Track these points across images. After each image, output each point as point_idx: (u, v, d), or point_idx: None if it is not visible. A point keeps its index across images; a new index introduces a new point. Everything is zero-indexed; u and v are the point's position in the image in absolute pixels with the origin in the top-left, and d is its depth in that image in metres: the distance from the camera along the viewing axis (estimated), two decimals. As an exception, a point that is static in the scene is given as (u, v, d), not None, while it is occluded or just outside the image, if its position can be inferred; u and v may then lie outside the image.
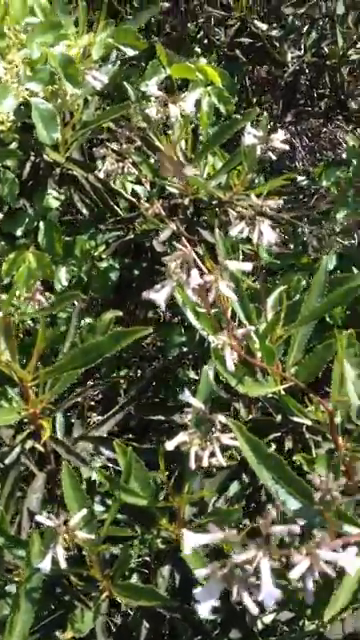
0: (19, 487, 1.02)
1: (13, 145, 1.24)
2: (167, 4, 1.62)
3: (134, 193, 1.38)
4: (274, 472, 0.77)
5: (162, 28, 1.70)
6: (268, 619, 0.96)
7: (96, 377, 1.71)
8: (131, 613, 1.09)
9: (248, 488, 1.13)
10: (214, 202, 1.32)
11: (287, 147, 1.15)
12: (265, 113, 1.26)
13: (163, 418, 1.16)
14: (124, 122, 1.28)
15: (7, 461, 0.98)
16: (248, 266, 0.83)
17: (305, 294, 1.12)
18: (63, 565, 0.80)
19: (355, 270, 1.94)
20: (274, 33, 1.73)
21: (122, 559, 0.93)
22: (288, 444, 1.16)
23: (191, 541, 0.60)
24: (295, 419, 1.03)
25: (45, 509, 1.02)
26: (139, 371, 2.07)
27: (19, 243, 1.28)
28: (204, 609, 0.57)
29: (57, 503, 1.03)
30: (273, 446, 1.15)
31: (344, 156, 1.79)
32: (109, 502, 1.07)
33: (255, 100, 2.11)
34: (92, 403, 1.68)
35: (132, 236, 1.40)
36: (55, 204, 1.27)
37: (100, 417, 1.40)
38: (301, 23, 1.80)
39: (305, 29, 1.86)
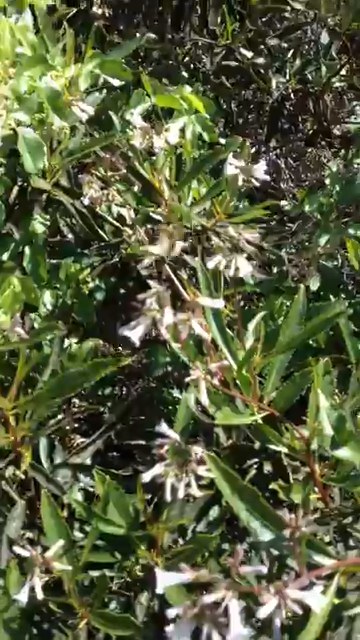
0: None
1: (0, 171, 1.26)
2: (153, 35, 1.64)
3: (120, 217, 1.40)
4: (248, 504, 0.79)
5: (148, 56, 1.73)
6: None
7: (81, 395, 1.73)
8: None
9: (227, 512, 1.15)
10: (198, 228, 1.34)
11: (268, 178, 1.17)
12: (248, 142, 1.28)
13: (144, 443, 1.18)
14: (110, 148, 1.30)
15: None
16: (220, 303, 0.85)
17: (284, 322, 1.15)
18: (40, 596, 0.81)
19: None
20: (259, 61, 1.76)
21: (100, 587, 0.94)
22: (267, 468, 1.18)
23: (163, 581, 0.62)
24: (272, 447, 1.04)
25: (25, 536, 1.03)
26: (124, 388, 2.08)
27: (5, 267, 1.30)
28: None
29: (37, 529, 1.04)
30: (253, 471, 1.17)
31: (327, 181, 1.82)
32: (89, 529, 1.08)
33: (241, 122, 2.14)
34: (77, 421, 1.69)
35: (117, 259, 1.43)
36: (41, 229, 1.29)
37: (83, 439, 1.42)
38: (286, 48, 1.83)
39: (290, 55, 1.90)
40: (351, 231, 1.77)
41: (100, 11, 1.49)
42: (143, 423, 1.57)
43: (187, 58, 1.82)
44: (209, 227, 1.29)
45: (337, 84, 1.84)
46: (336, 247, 1.88)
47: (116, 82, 1.25)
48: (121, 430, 1.10)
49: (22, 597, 0.82)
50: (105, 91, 1.30)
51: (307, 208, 1.77)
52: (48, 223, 1.29)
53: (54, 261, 1.41)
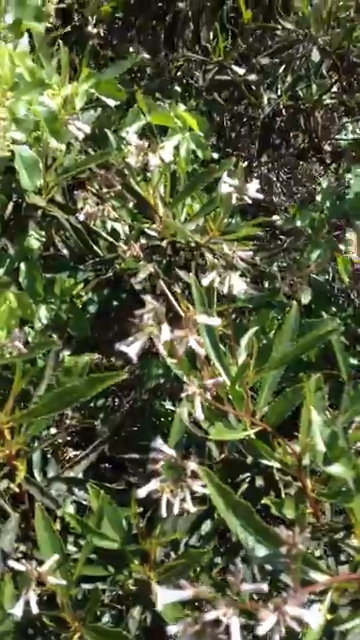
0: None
1: (-5, 187, 1.28)
2: (147, 55, 1.67)
3: (114, 231, 1.42)
4: (242, 519, 0.80)
5: (142, 71, 1.75)
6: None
7: (74, 406, 1.73)
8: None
9: (219, 526, 1.16)
10: (192, 244, 1.36)
11: (261, 196, 1.19)
12: (240, 156, 1.30)
13: (137, 456, 1.19)
14: (105, 165, 1.31)
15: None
16: (217, 321, 0.86)
17: (276, 337, 1.16)
18: (35, 610, 0.82)
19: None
20: (251, 77, 1.78)
21: (93, 601, 0.94)
22: (259, 483, 1.19)
23: (164, 598, 0.63)
24: (264, 462, 1.06)
25: (19, 549, 1.04)
26: (117, 400, 2.09)
27: (1, 282, 1.31)
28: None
29: (31, 543, 1.05)
30: (245, 485, 1.18)
31: (318, 197, 1.84)
32: (83, 542, 1.08)
33: (234, 136, 2.17)
34: (70, 434, 1.70)
35: (111, 274, 1.44)
36: (36, 245, 1.30)
37: (76, 452, 1.42)
38: (278, 64, 1.86)
39: (281, 70, 1.93)
40: (342, 246, 1.79)
41: (95, 30, 1.52)
42: (136, 436, 1.58)
43: (180, 74, 1.85)
44: (203, 244, 1.31)
45: (328, 101, 1.86)
46: (327, 261, 1.91)
47: (111, 102, 1.27)
48: (114, 443, 1.10)
49: (17, 611, 0.82)
50: (100, 109, 1.32)
51: (299, 223, 1.79)
52: (43, 239, 1.30)
53: (49, 275, 1.42)
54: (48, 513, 0.97)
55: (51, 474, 1.12)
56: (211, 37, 1.82)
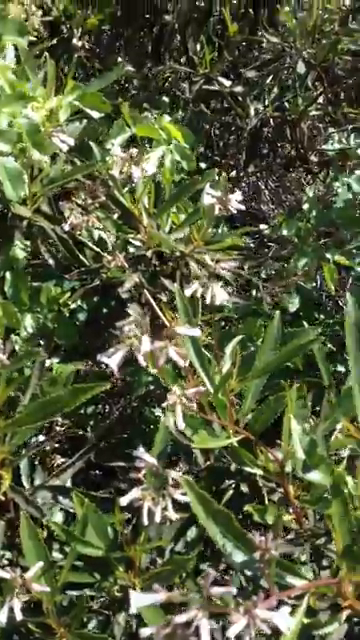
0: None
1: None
2: (131, 68, 1.69)
3: (101, 241, 1.43)
4: (222, 526, 0.82)
5: (130, 82, 1.78)
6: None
7: (63, 413, 1.74)
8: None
9: (204, 533, 1.17)
10: (176, 254, 1.38)
11: (243, 207, 1.21)
12: (228, 165, 1.32)
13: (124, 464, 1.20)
14: (91, 176, 1.33)
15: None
16: (197, 332, 0.88)
17: (259, 347, 1.18)
18: (19, 617, 0.83)
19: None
20: (237, 89, 1.81)
21: (79, 607, 0.95)
22: (244, 489, 1.20)
23: (137, 602, 0.64)
24: (247, 469, 1.07)
25: (4, 557, 1.05)
26: (107, 407, 2.10)
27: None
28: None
29: (16, 550, 1.06)
30: (230, 492, 1.20)
31: (305, 207, 1.87)
32: (68, 550, 1.10)
33: (222, 145, 2.19)
34: (59, 441, 1.71)
35: (98, 282, 1.46)
36: (22, 255, 1.31)
37: (65, 459, 1.43)
38: (265, 75, 1.88)
39: (268, 81, 1.95)
40: (328, 255, 1.82)
41: (80, 43, 1.54)
42: (124, 443, 1.59)
43: (167, 85, 1.87)
44: (187, 253, 1.33)
45: (314, 112, 1.89)
46: (314, 269, 1.93)
47: (95, 114, 1.29)
48: (102, 450, 1.12)
49: (1, 618, 0.83)
50: (86, 120, 1.34)
51: (285, 232, 1.81)
52: (29, 249, 1.31)
53: (35, 284, 1.43)
54: (34, 521, 0.98)
55: (38, 482, 1.14)
56: (198, 49, 1.85)
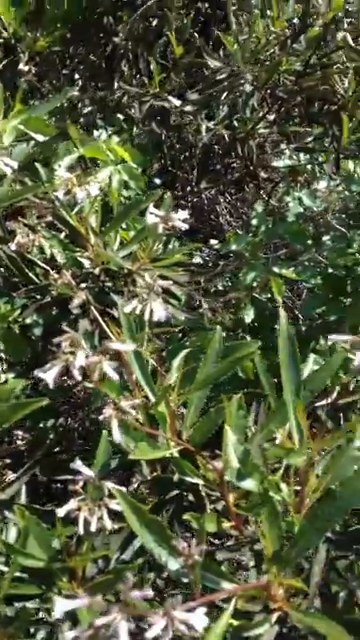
0: None
1: None
2: (76, 92, 1.73)
3: (52, 258, 1.47)
4: (155, 535, 0.85)
5: (81, 105, 1.82)
6: None
7: (23, 427, 1.76)
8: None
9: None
10: (124, 271, 1.42)
11: (186, 226, 1.25)
12: (169, 192, 1.37)
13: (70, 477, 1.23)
14: (38, 196, 1.36)
15: None
16: (130, 347, 0.91)
17: (201, 360, 1.22)
18: None
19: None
20: (187, 108, 1.86)
21: (22, 618, 0.98)
22: (190, 499, 1.24)
23: (60, 607, 0.68)
24: (188, 479, 1.11)
25: None
26: (69, 419, 2.12)
27: None
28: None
29: None
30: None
31: (253, 222, 1.92)
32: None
33: (176, 161, 2.25)
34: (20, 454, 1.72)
35: (49, 299, 1.49)
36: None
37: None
38: (212, 94, 1.94)
39: (220, 100, 2.01)
40: (275, 269, 1.88)
41: (27, 68, 1.57)
42: (75, 455, 1.61)
43: (118, 105, 1.91)
44: (134, 270, 1.37)
45: (262, 130, 1.95)
46: (266, 282, 1.99)
47: (40, 137, 1.32)
48: (43, 468, 1.14)
49: None
50: (33, 141, 1.37)
51: (234, 247, 1.87)
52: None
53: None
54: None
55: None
56: (150, 69, 1.89)
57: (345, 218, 2.27)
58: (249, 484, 0.97)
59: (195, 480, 1.11)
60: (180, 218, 1.29)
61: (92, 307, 1.31)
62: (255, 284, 2.01)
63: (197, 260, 2.21)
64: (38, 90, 1.75)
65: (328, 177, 2.13)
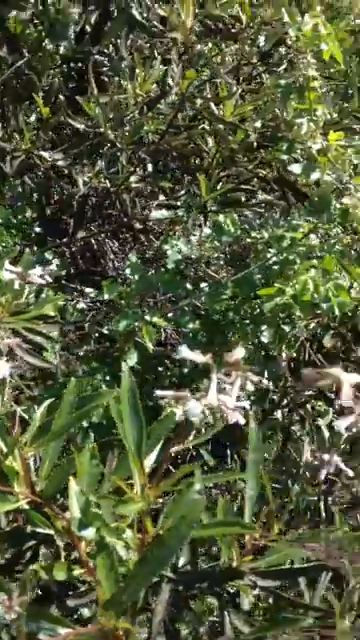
0: None
1: None
2: None
3: None
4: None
5: None
6: None
7: None
8: None
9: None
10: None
11: (43, 281, 1.31)
12: (27, 249, 1.42)
13: None
14: None
15: None
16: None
17: (56, 411, 1.26)
18: None
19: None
20: (60, 163, 1.93)
21: None
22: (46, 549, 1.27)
23: None
24: (39, 530, 1.14)
25: None
26: None
27: None
28: None
29: None
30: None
31: (127, 272, 2.00)
32: None
33: (53, 213, 2.31)
34: None
35: None
36: None
37: None
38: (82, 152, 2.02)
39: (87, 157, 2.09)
40: (147, 317, 1.95)
41: None
42: None
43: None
44: (-5, 324, 1.40)
45: (134, 185, 2.04)
46: (139, 330, 2.07)
47: None
48: None
49: None
50: None
51: (106, 296, 1.94)
52: None
53: None
54: None
55: None
56: (20, 126, 1.95)
57: (222, 264, 2.41)
58: (89, 533, 1.02)
59: (47, 531, 1.15)
60: (37, 274, 1.35)
61: None
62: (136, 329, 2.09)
63: (81, 306, 2.27)
64: None
65: (200, 228, 2.25)
